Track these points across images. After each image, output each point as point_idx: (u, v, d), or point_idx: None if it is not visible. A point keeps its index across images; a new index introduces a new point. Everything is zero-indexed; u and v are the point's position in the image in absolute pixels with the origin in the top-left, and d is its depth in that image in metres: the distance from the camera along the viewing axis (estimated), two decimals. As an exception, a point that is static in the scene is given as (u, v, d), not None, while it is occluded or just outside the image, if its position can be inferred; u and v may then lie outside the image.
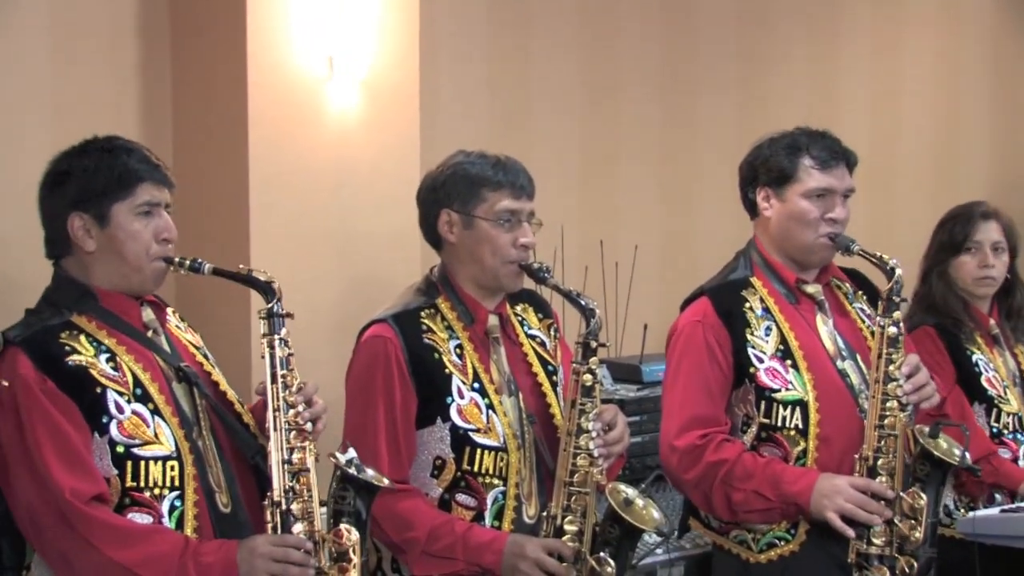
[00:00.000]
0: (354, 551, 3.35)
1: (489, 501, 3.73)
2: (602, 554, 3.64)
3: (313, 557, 3.30)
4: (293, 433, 3.36)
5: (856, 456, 3.96)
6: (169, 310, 3.64)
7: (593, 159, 5.65)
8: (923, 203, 5.67)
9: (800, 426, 4.00)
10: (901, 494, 3.92)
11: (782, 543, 4.03)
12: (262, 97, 4.37)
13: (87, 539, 3.20)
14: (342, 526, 3.35)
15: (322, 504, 3.41)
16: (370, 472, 3.40)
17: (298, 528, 3.31)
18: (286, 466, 3.34)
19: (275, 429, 3.35)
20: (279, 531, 3.31)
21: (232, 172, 4.38)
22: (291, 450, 3.36)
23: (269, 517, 3.32)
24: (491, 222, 3.80)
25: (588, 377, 3.69)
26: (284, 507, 3.31)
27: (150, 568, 3.22)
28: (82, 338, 3.35)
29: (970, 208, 5.01)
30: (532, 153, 4.62)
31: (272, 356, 3.40)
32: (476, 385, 3.79)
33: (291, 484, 3.34)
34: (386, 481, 3.44)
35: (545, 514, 3.72)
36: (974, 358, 4.82)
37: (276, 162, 4.41)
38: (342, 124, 4.52)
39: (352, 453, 3.41)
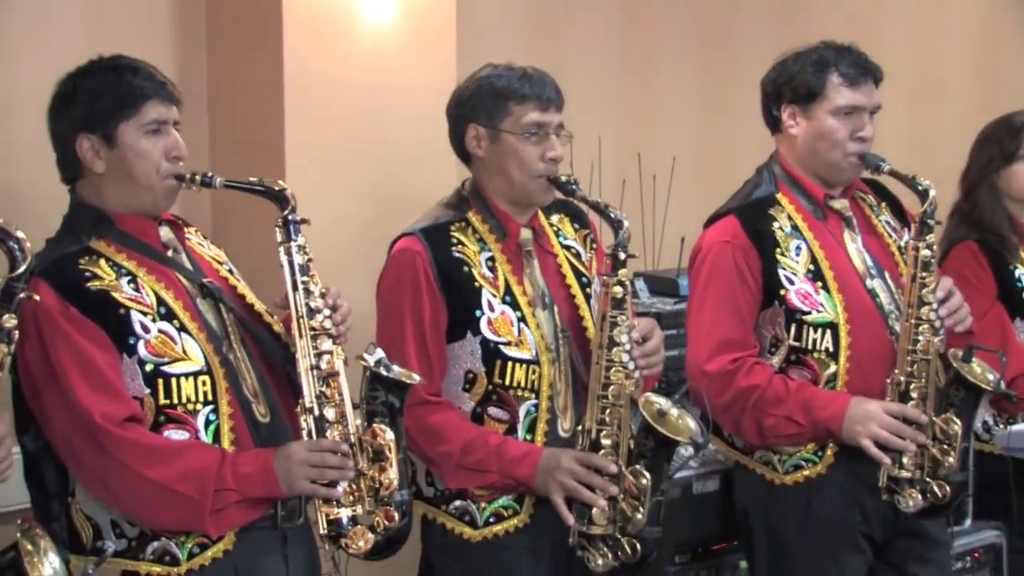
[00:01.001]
0: (390, 449, 3.41)
1: (521, 414, 3.78)
2: (638, 466, 3.67)
3: (350, 459, 3.36)
4: (320, 338, 3.41)
5: (888, 380, 4.01)
6: (190, 228, 3.70)
7: (631, 70, 5.66)
8: (965, 120, 5.66)
9: (831, 348, 4.05)
10: (934, 419, 3.98)
11: (809, 465, 4.10)
12: (296, 6, 4.35)
13: (121, 460, 3.25)
14: (376, 426, 3.41)
15: (355, 406, 3.45)
16: (398, 369, 3.45)
17: (333, 432, 3.37)
18: (315, 372, 3.39)
19: (300, 336, 3.41)
20: (314, 436, 3.36)
21: (267, 84, 4.38)
22: (319, 355, 3.41)
23: (303, 424, 3.38)
24: (517, 136, 3.83)
25: (618, 289, 3.72)
26: (317, 412, 3.37)
27: (188, 483, 3.26)
28: (101, 262, 3.39)
29: (1014, 118, 5.03)
30: (569, 64, 4.74)
31: (291, 263, 3.44)
32: (508, 298, 3.83)
33: (321, 389, 3.39)
34: (416, 377, 3.50)
35: (580, 428, 3.76)
36: (1017, 273, 4.89)
37: (310, 74, 4.41)
38: (376, 35, 4.51)
39: (380, 353, 3.46)
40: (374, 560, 3.53)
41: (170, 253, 3.51)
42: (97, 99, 3.41)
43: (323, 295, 3.46)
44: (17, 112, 3.74)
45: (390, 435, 3.41)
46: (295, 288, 3.43)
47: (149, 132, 3.41)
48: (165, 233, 3.53)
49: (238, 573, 3.40)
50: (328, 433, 3.37)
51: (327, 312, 3.44)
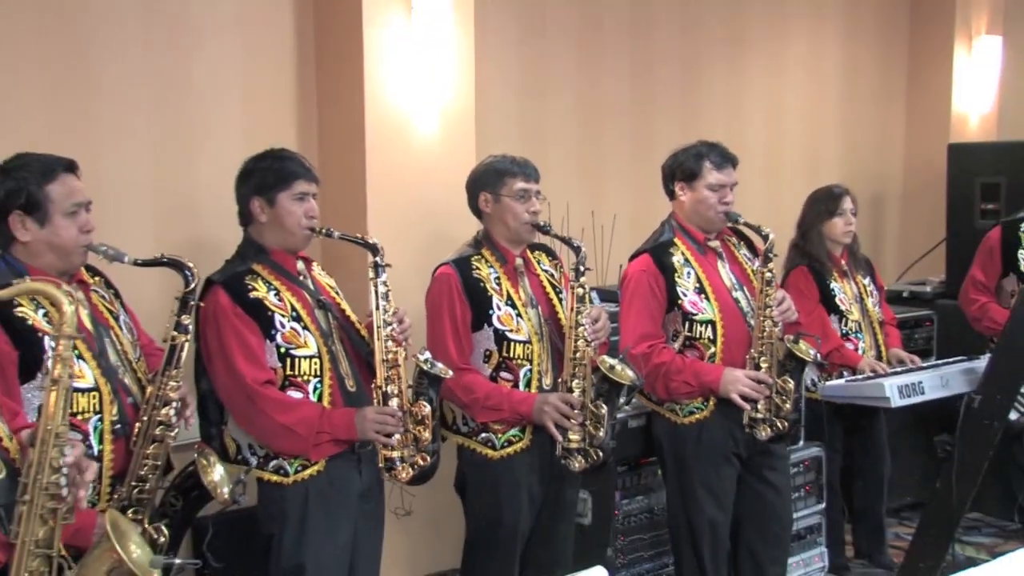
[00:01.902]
0: (428, 417, 3.56)
1: (521, 376, 3.89)
2: (598, 401, 3.83)
3: (401, 421, 3.50)
4: (390, 342, 3.54)
5: (747, 356, 4.13)
6: (315, 263, 3.76)
7: (586, 163, 5.66)
8: (796, 187, 5.75)
9: (711, 336, 4.14)
10: (777, 380, 4.12)
11: (699, 411, 4.19)
12: (374, 122, 4.38)
13: (260, 408, 3.41)
14: (420, 401, 3.57)
15: (409, 387, 3.60)
16: (439, 366, 3.59)
17: (393, 403, 3.51)
18: (385, 363, 3.53)
19: (377, 339, 3.53)
20: (381, 404, 3.51)
21: (356, 171, 4.39)
22: (388, 352, 3.53)
23: (375, 395, 3.53)
24: (511, 198, 3.94)
25: (580, 291, 3.86)
26: (384, 389, 3.52)
27: (301, 426, 3.40)
28: (259, 280, 3.50)
29: (832, 188, 5.14)
30: (546, 156, 4.74)
31: (376, 291, 3.56)
32: (509, 302, 3.91)
33: (388, 374, 3.53)
34: (450, 373, 3.63)
35: (560, 380, 3.87)
36: (832, 286, 5.02)
37: (383, 164, 4.42)
38: (424, 139, 4.52)
39: (428, 355, 3.61)
40: (412, 486, 3.69)
41: (301, 278, 3.61)
42: (266, 176, 3.54)
43: (394, 313, 3.57)
44: (222, 184, 3.70)
45: (427, 408, 3.56)
46: (377, 308, 3.55)
47: (296, 199, 3.53)
48: (300, 264, 3.63)
49: (329, 481, 3.50)
50: (390, 403, 3.50)
51: (396, 325, 3.55)
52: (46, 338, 2.90)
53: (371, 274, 3.60)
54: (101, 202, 3.50)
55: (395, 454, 3.54)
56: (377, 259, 3.60)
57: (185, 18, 4.22)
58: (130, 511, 3.06)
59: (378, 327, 3.54)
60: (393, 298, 3.59)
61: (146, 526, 3.08)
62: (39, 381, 2.88)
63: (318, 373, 3.49)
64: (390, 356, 3.54)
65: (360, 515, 3.61)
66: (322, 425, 3.43)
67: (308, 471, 3.49)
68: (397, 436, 3.50)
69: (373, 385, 3.54)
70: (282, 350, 3.46)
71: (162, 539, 3.11)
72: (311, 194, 3.59)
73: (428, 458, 3.59)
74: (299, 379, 3.47)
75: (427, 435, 3.57)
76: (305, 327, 3.50)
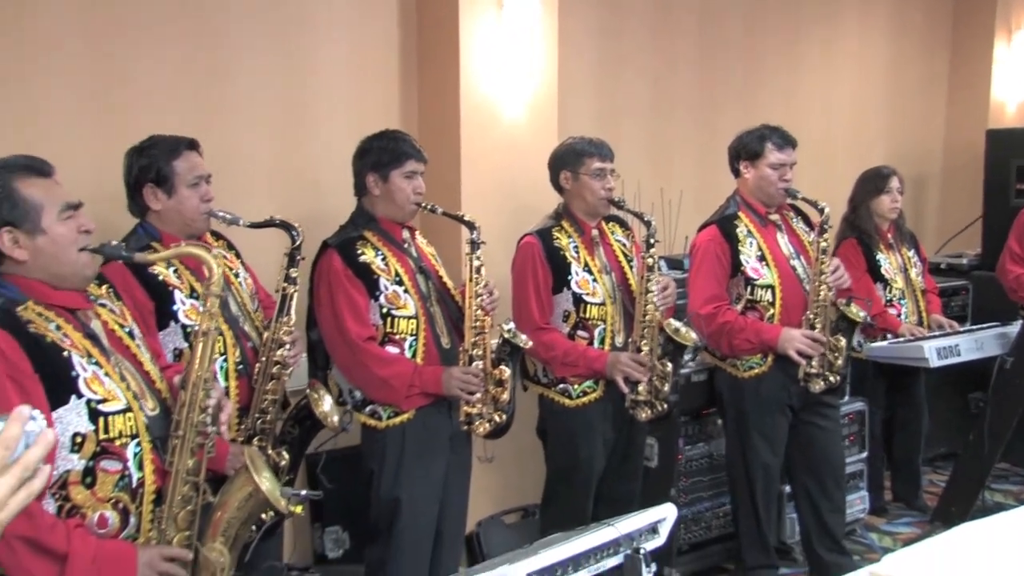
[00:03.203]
0: (506, 380, 3.53)
1: (596, 334, 3.86)
2: (664, 359, 3.80)
3: (482, 381, 3.49)
4: (479, 311, 3.51)
5: (803, 317, 4.06)
6: (418, 233, 3.73)
7: (656, 145, 5.54)
8: (846, 168, 5.60)
9: (770, 300, 4.08)
10: (830, 339, 4.06)
11: (757, 366, 4.13)
12: (468, 108, 4.32)
13: (361, 360, 3.42)
14: (501, 366, 3.54)
15: (492, 353, 3.56)
16: (521, 337, 3.55)
17: (477, 365, 3.49)
18: (473, 329, 3.51)
19: (468, 307, 3.51)
20: (466, 365, 3.49)
21: (451, 152, 4.33)
22: (476, 320, 3.51)
23: (462, 356, 3.51)
24: (589, 176, 3.90)
25: (650, 260, 3.82)
26: (470, 352, 3.50)
27: (396, 379, 3.42)
28: (368, 245, 3.48)
29: (881, 169, 5.08)
30: (620, 138, 4.61)
31: (471, 265, 3.55)
32: (586, 268, 3.86)
33: (475, 339, 3.51)
34: (530, 344, 3.59)
35: (630, 340, 3.84)
36: (878, 257, 4.94)
37: (475, 145, 4.36)
38: (511, 123, 4.45)
39: (511, 325, 3.58)
40: (489, 439, 3.66)
41: (405, 245, 3.58)
42: (381, 154, 3.52)
43: (485, 285, 3.53)
44: (336, 161, 3.76)
45: (507, 372, 3.53)
46: (470, 280, 3.53)
47: (407, 177, 3.52)
48: (405, 233, 3.61)
49: (423, 425, 3.50)
50: (474, 365, 3.49)
51: (486, 296, 3.53)
52: (175, 291, 2.99)
53: (467, 249, 3.58)
54: (229, 177, 3.64)
55: (475, 410, 3.53)
56: (474, 236, 3.58)
57: (304, 16, 4.22)
58: (255, 439, 3.15)
59: (469, 297, 3.52)
60: (485, 271, 3.57)
61: (269, 451, 3.17)
62: (171, 328, 2.96)
63: (414, 332, 3.47)
64: (478, 323, 3.52)
65: (451, 456, 3.61)
66: (414, 380, 3.43)
67: (399, 418, 3.50)
68: (478, 395, 3.48)
69: (460, 348, 3.52)
70: (384, 310, 3.45)
71: (283, 462, 3.23)
72: (420, 173, 3.57)
73: (504, 416, 3.56)
74: (397, 336, 3.46)
75: (505, 396, 3.54)
76: (406, 290, 3.48)
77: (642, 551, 2.14)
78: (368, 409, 3.51)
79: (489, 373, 3.52)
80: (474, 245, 3.56)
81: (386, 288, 3.45)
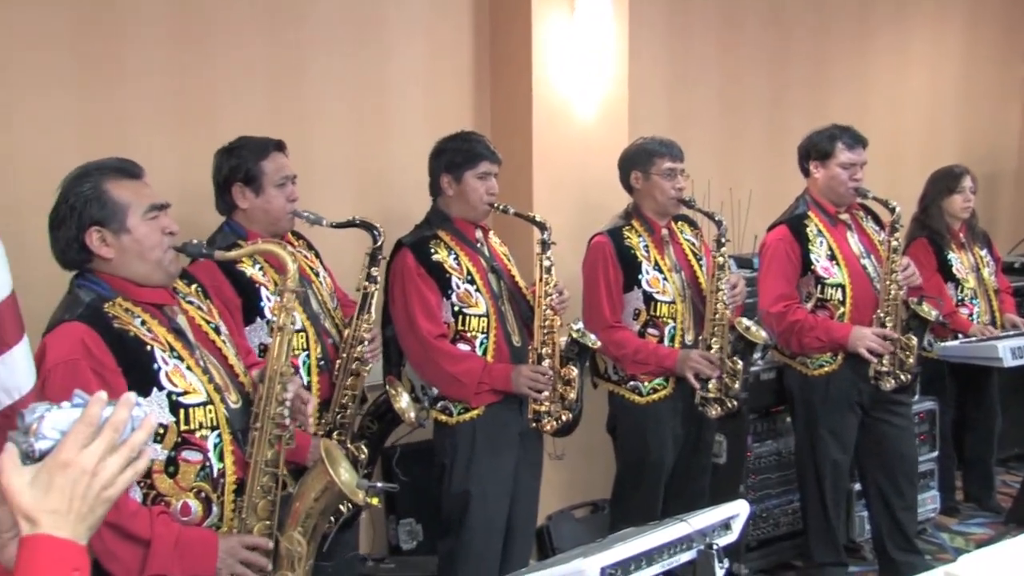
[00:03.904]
0: (574, 379, 3.51)
1: (666, 332, 3.83)
2: (735, 357, 3.77)
3: (551, 380, 3.47)
4: (549, 310, 3.50)
5: (874, 316, 4.00)
6: (492, 232, 3.73)
7: (725, 145, 5.48)
8: (916, 168, 5.51)
9: (840, 298, 4.03)
10: (901, 337, 3.99)
11: (827, 364, 4.07)
12: (540, 108, 4.32)
13: (432, 357, 3.44)
14: (569, 365, 3.53)
15: (561, 352, 3.53)
16: (590, 337, 3.51)
17: (545, 363, 3.48)
18: (542, 328, 3.50)
19: (538, 307, 3.51)
20: (536, 363, 3.49)
21: (523, 152, 4.32)
22: (546, 319, 3.50)
23: (531, 355, 3.51)
24: (660, 176, 3.86)
25: (720, 259, 3.79)
26: (539, 351, 3.50)
27: (466, 376, 3.43)
28: (441, 245, 3.51)
29: (953, 168, 4.99)
30: (690, 138, 4.59)
31: (541, 265, 3.54)
32: (656, 267, 3.84)
33: (544, 338, 3.49)
34: (598, 344, 3.56)
35: (700, 338, 3.81)
36: (949, 256, 4.85)
37: (547, 145, 4.35)
38: (583, 123, 4.43)
39: (580, 325, 3.55)
40: (556, 437, 3.64)
41: (479, 245, 3.59)
42: (455, 155, 3.53)
43: (555, 285, 3.53)
44: (411, 162, 3.79)
45: (575, 372, 3.51)
46: (541, 279, 3.53)
47: (480, 177, 3.52)
48: (478, 233, 3.61)
49: (494, 421, 3.50)
50: (543, 363, 3.48)
51: (556, 296, 3.52)
52: (261, 288, 3.02)
53: (538, 249, 3.58)
54: (309, 177, 3.67)
55: (543, 408, 3.52)
56: (545, 236, 3.57)
57: (380, 19, 4.25)
58: (334, 433, 3.17)
59: (539, 297, 3.52)
60: (555, 271, 3.57)
61: (348, 445, 3.20)
62: (257, 324, 2.98)
63: (485, 330, 3.48)
64: (547, 323, 3.51)
65: (521, 451, 3.60)
66: (483, 377, 3.44)
67: (469, 414, 3.50)
68: (546, 393, 3.48)
69: (530, 347, 3.52)
70: (456, 308, 3.46)
71: (362, 456, 3.26)
72: (493, 174, 3.57)
73: (571, 415, 3.55)
74: (468, 334, 3.47)
75: (572, 395, 3.52)
76: (477, 289, 3.49)
77: (715, 547, 2.11)
78: (440, 405, 3.53)
79: (557, 372, 3.51)
80: (544, 245, 3.56)
81: (458, 287, 3.46)
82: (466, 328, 3.46)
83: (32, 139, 3.38)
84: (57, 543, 1.20)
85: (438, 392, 3.53)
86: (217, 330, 2.52)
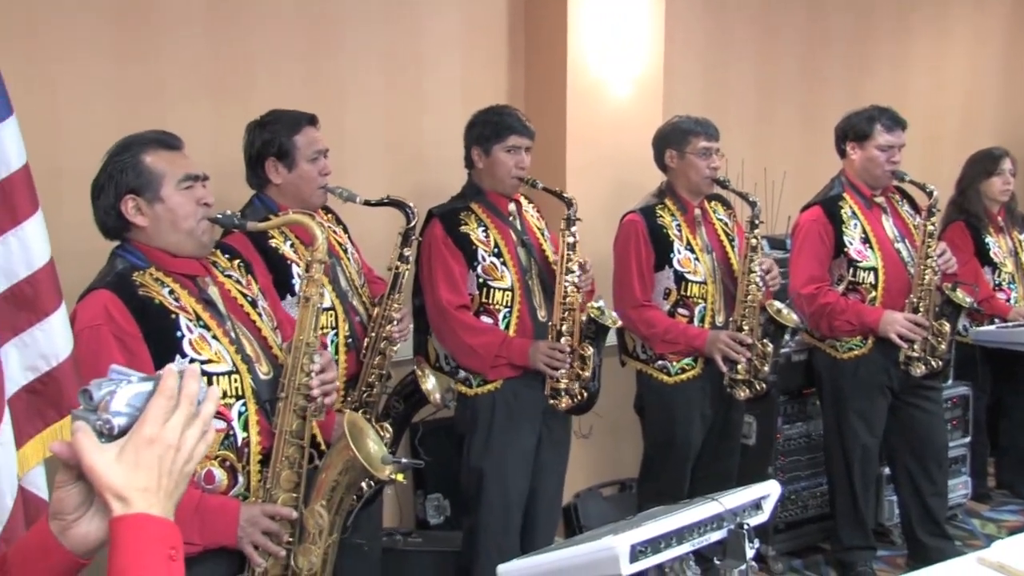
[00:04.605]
0: (590, 358, 3.48)
1: (696, 313, 3.81)
2: (764, 339, 3.76)
3: (567, 357, 3.45)
4: (571, 287, 3.47)
5: (907, 301, 3.96)
6: (531, 206, 3.73)
7: (760, 125, 5.43)
8: (954, 150, 5.43)
9: (873, 282, 3.98)
10: (934, 323, 3.96)
11: (857, 348, 4.04)
12: (574, 86, 4.29)
13: (452, 328, 3.46)
14: (585, 342, 3.49)
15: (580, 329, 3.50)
16: (608, 316, 3.49)
17: (564, 340, 3.46)
18: (563, 305, 3.48)
19: (559, 283, 3.48)
20: (555, 340, 3.47)
21: (557, 129, 4.30)
22: (566, 295, 3.47)
23: (550, 332, 3.48)
24: (694, 155, 3.82)
25: (754, 241, 3.76)
26: (558, 328, 3.48)
27: (484, 348, 3.44)
28: (472, 216, 3.51)
29: (992, 150, 4.92)
30: (725, 113, 4.58)
31: (564, 241, 3.50)
32: (688, 247, 3.81)
33: (563, 316, 3.47)
34: (618, 323, 3.55)
35: (732, 319, 3.78)
36: (987, 240, 4.80)
37: (581, 123, 4.32)
38: (618, 101, 4.39)
39: (600, 303, 3.52)
40: (571, 414, 3.63)
41: (511, 218, 3.58)
42: (485, 128, 3.53)
43: (579, 263, 3.50)
44: (446, 137, 3.79)
45: (591, 350, 3.48)
46: (563, 255, 3.49)
47: (509, 151, 3.51)
48: (511, 207, 3.60)
49: (514, 395, 3.52)
50: (561, 340, 3.46)
51: (578, 272, 3.49)
52: (293, 265, 3.01)
53: (562, 225, 3.55)
54: (343, 152, 3.70)
55: (560, 385, 3.50)
56: (570, 213, 3.55)
57: (415, -4, 4.25)
58: (360, 411, 3.14)
59: (560, 273, 3.49)
60: (581, 247, 3.54)
61: (374, 424, 3.16)
62: (288, 301, 2.96)
63: (509, 304, 3.48)
64: (568, 300, 3.48)
65: (545, 429, 3.60)
66: (501, 351, 3.44)
67: (488, 386, 3.51)
68: (563, 370, 3.46)
69: (550, 323, 3.50)
70: (480, 280, 3.46)
71: (387, 435, 3.24)
72: (523, 147, 3.55)
73: (585, 393, 3.53)
74: (492, 307, 3.47)
75: (587, 374, 3.49)
76: (504, 263, 3.49)
77: (746, 526, 2.09)
78: (460, 375, 3.55)
79: (575, 350, 3.50)
80: (569, 221, 3.53)
81: (484, 259, 3.46)
82: (490, 301, 3.46)
83: (72, 108, 3.41)
84: (154, 521, 1.17)
85: (456, 363, 3.54)
86: (254, 303, 2.53)
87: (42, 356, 2.06)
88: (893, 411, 4.14)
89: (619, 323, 3.56)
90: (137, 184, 2.34)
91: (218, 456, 2.30)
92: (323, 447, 2.52)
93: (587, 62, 4.34)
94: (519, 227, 3.61)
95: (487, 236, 3.49)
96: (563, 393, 3.51)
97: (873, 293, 4.01)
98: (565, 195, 3.59)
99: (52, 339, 2.07)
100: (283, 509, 2.35)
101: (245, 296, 2.53)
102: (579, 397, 3.51)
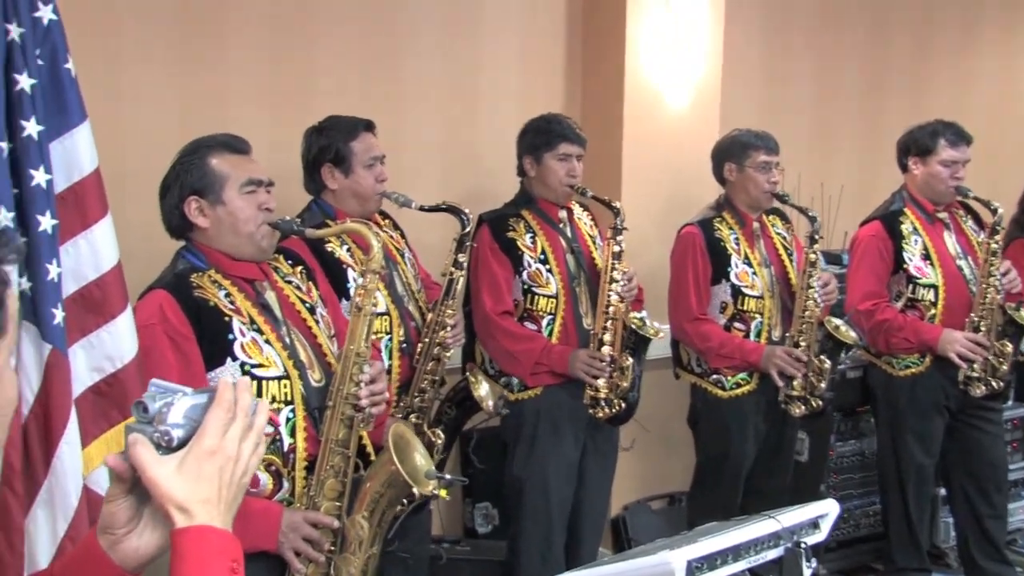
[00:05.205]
0: (629, 368, 3.45)
1: (752, 327, 3.77)
2: (822, 356, 3.67)
3: (607, 366, 3.42)
4: (614, 296, 3.45)
5: (967, 320, 3.89)
6: (584, 214, 3.71)
7: (817, 140, 5.35)
8: (1019, 167, 5.38)
9: (932, 299, 3.93)
10: (995, 343, 3.88)
11: (914, 366, 3.98)
12: (631, 95, 4.25)
13: (493, 334, 3.46)
14: (625, 352, 3.47)
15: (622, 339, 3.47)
16: (649, 327, 3.46)
17: (606, 349, 3.44)
18: (605, 314, 3.45)
19: (603, 292, 3.46)
20: (596, 349, 3.45)
21: (614, 138, 4.26)
22: (610, 305, 3.44)
23: (592, 340, 3.45)
24: (753, 169, 3.79)
25: (813, 256, 3.73)
26: (600, 337, 3.45)
27: (525, 355, 3.44)
28: (521, 223, 3.52)
29: None
30: (782, 131, 4.44)
31: (610, 250, 3.49)
32: (746, 260, 3.78)
33: (605, 325, 3.45)
34: (660, 335, 3.52)
35: (789, 335, 3.74)
36: None
37: (638, 133, 4.28)
38: (675, 113, 4.35)
39: (643, 314, 3.50)
40: (609, 424, 3.58)
41: (561, 226, 3.58)
42: (536, 136, 3.54)
43: (624, 272, 3.48)
44: (502, 146, 3.74)
45: (630, 361, 3.45)
46: (608, 264, 3.48)
47: (559, 159, 3.51)
48: (562, 214, 3.60)
49: (558, 405, 3.49)
50: (603, 349, 3.44)
51: (623, 282, 3.46)
52: (348, 270, 3.01)
53: (609, 234, 3.54)
54: (400, 158, 3.67)
55: (599, 394, 3.47)
56: (617, 221, 3.54)
57: (476, 3, 4.24)
58: (412, 416, 3.17)
59: (605, 282, 3.48)
60: (634, 258, 3.55)
61: (425, 429, 3.19)
62: (343, 305, 2.95)
63: (553, 311, 3.48)
64: (611, 309, 3.46)
65: (589, 440, 3.59)
66: (542, 357, 3.43)
67: (529, 392, 3.50)
68: (602, 380, 3.43)
69: (592, 332, 3.47)
70: (525, 286, 3.47)
71: (438, 441, 3.24)
72: (575, 155, 3.54)
73: (623, 404, 3.50)
74: (536, 313, 3.48)
75: (625, 384, 3.46)
76: (550, 269, 3.49)
77: (803, 545, 2.08)
78: (503, 380, 3.54)
79: (614, 359, 3.47)
80: (616, 230, 3.51)
81: (529, 265, 3.46)
82: (534, 307, 3.47)
83: (135, 111, 3.45)
84: (216, 533, 1.16)
85: (499, 367, 3.55)
86: (312, 310, 2.53)
87: (108, 357, 2.10)
88: (950, 431, 4.06)
89: (660, 335, 3.55)
90: (201, 185, 2.38)
91: (264, 460, 2.29)
92: (372, 456, 2.51)
93: (645, 72, 4.31)
94: (569, 234, 3.60)
95: (534, 242, 3.50)
96: (602, 402, 3.48)
97: (933, 311, 3.95)
98: (613, 204, 3.58)
99: (118, 341, 2.11)
100: (325, 517, 2.34)
101: (304, 302, 2.53)
102: (617, 407, 3.49)
